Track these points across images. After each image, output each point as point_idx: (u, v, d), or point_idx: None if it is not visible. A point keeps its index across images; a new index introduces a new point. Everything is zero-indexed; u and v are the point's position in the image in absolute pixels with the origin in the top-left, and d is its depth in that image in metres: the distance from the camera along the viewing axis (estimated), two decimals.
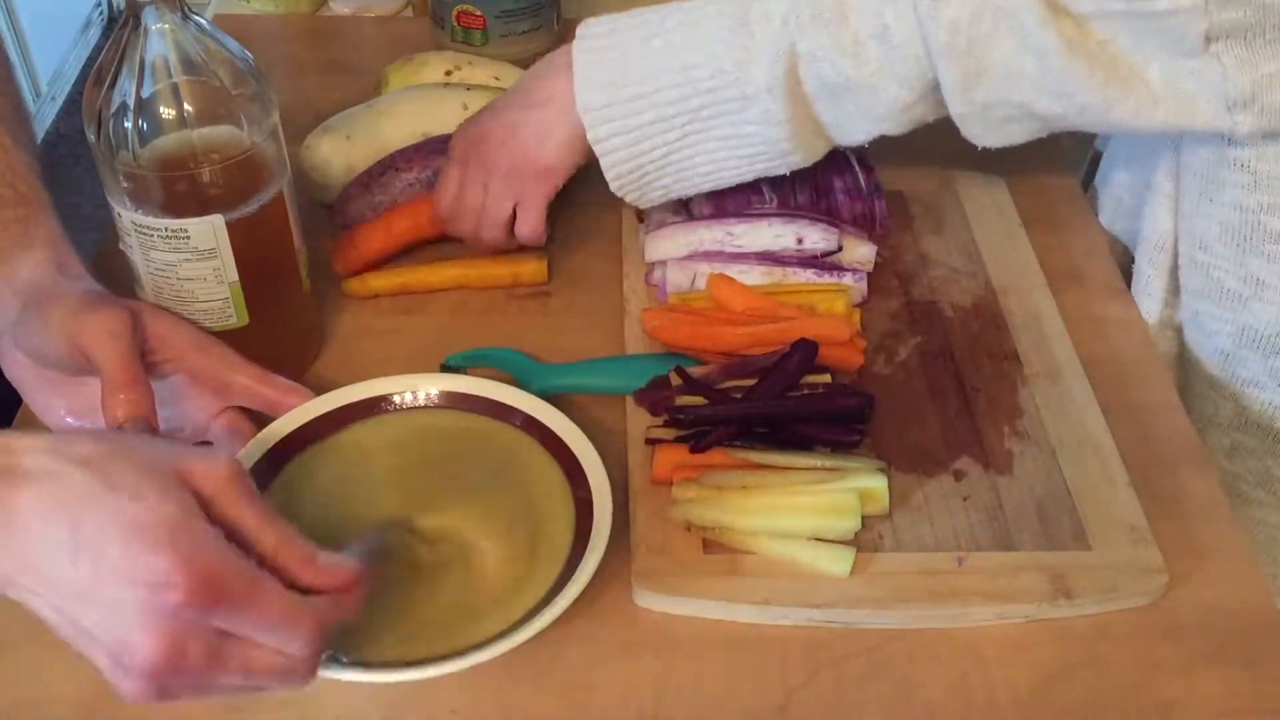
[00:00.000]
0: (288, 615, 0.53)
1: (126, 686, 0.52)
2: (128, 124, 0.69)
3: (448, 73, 1.05)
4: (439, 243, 0.93)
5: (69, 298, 0.68)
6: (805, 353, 0.76)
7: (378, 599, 0.66)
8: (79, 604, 0.51)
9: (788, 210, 0.88)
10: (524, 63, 1.08)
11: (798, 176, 0.90)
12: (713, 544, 0.71)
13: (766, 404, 0.74)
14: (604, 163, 0.81)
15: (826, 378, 0.77)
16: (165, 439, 0.64)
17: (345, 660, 0.63)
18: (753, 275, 0.86)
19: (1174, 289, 0.88)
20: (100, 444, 0.53)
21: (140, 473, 0.52)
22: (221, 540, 0.52)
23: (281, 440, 0.73)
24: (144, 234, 0.72)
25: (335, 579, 0.56)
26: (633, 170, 0.81)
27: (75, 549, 0.50)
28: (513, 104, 0.83)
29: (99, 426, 0.69)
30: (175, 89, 0.70)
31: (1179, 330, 0.89)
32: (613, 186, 0.82)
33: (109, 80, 0.69)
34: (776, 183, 0.89)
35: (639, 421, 0.77)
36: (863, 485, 0.71)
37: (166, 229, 0.71)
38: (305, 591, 0.55)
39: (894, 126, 0.78)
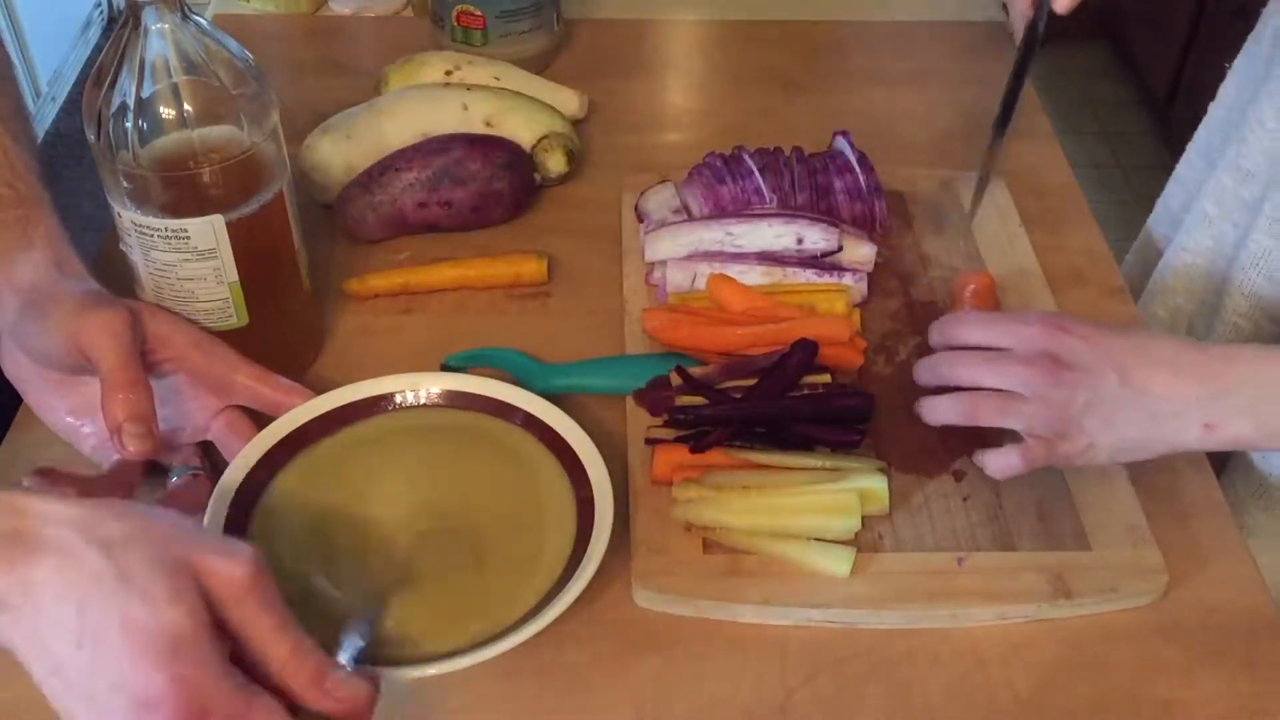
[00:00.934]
0: None
1: None
2: (128, 124, 0.69)
3: (448, 73, 1.05)
4: (439, 242, 0.93)
5: (69, 297, 0.68)
6: (805, 353, 0.76)
7: (378, 595, 0.67)
8: (73, 692, 0.50)
9: (788, 210, 0.88)
10: (524, 63, 1.09)
11: (798, 176, 0.90)
12: (713, 544, 0.71)
13: (766, 404, 0.74)
14: None
15: (826, 378, 0.77)
16: (192, 521, 0.62)
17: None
18: (753, 275, 0.86)
19: None
20: (124, 525, 0.52)
21: (155, 568, 0.50)
22: (222, 660, 0.51)
23: (282, 440, 0.73)
24: (144, 234, 0.72)
25: (344, 704, 0.54)
26: None
27: (80, 636, 0.49)
28: None
29: (100, 427, 0.69)
30: (175, 89, 0.70)
31: None
32: None
33: (109, 80, 0.69)
34: (777, 183, 0.89)
35: (639, 421, 0.77)
36: (863, 485, 0.71)
37: (166, 229, 0.71)
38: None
39: None
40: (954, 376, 0.71)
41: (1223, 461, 0.87)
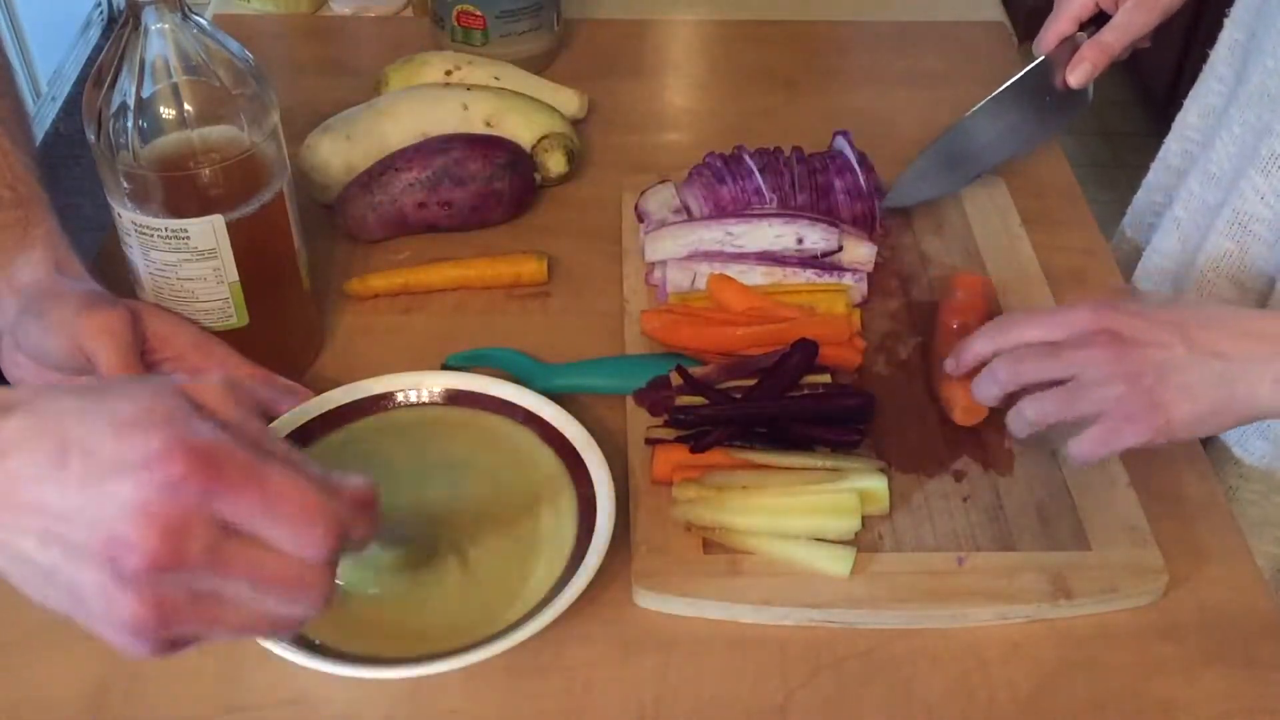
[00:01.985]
0: (301, 502, 0.47)
1: (124, 607, 0.46)
2: (128, 124, 0.69)
3: (448, 73, 1.05)
4: (439, 242, 0.93)
5: (69, 298, 0.68)
6: (805, 353, 0.76)
7: (379, 598, 0.67)
8: (66, 522, 0.46)
9: (788, 210, 0.88)
10: (524, 63, 1.09)
11: (798, 176, 0.90)
12: (713, 544, 0.71)
13: (766, 404, 0.74)
14: None
15: (826, 378, 0.77)
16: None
17: (319, 644, 0.63)
18: (753, 275, 0.86)
19: None
20: (93, 380, 0.50)
21: (133, 384, 0.49)
22: (221, 428, 0.47)
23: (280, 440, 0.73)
24: (144, 234, 0.72)
25: (345, 495, 0.50)
26: None
27: (62, 456, 0.46)
28: None
29: None
30: (175, 89, 0.70)
31: None
32: None
33: (109, 80, 0.69)
34: (777, 183, 0.89)
35: (639, 421, 0.77)
36: (863, 485, 0.71)
37: (166, 229, 0.71)
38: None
39: None
40: (1018, 376, 0.69)
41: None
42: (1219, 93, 0.93)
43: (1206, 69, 0.94)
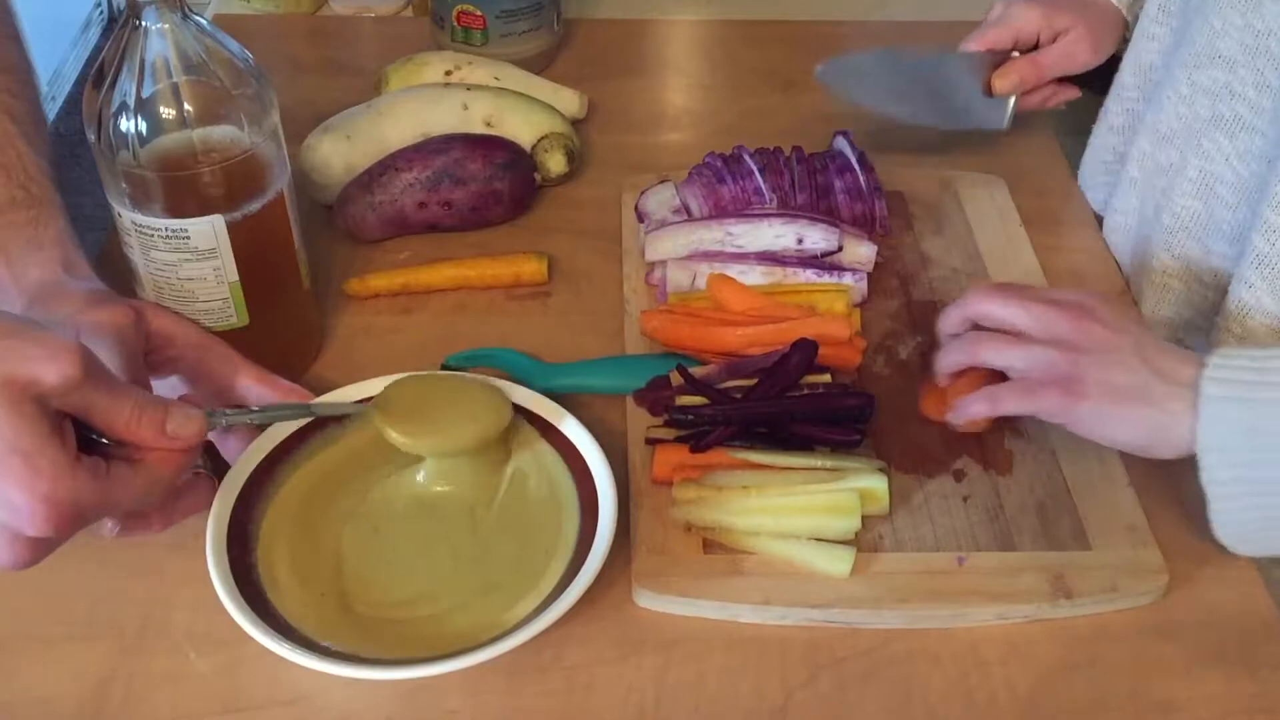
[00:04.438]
0: (22, 493, 0.53)
1: None
2: (128, 124, 0.69)
3: (448, 73, 1.05)
4: (439, 242, 0.93)
5: (74, 296, 0.68)
6: (805, 353, 0.76)
7: (380, 596, 0.67)
8: None
9: (788, 210, 0.88)
10: (524, 63, 1.09)
11: (798, 176, 0.91)
12: (713, 544, 0.71)
13: (766, 404, 0.74)
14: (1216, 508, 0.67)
15: (826, 378, 0.77)
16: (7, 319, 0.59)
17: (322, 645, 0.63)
18: (753, 275, 0.86)
19: None
20: None
21: None
22: (72, 457, 0.54)
23: (282, 441, 0.73)
24: (144, 234, 0.72)
25: (182, 441, 0.59)
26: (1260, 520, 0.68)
27: None
28: None
29: None
30: (175, 89, 0.70)
31: None
32: (1222, 534, 0.69)
33: (109, 80, 0.69)
34: (777, 183, 0.89)
35: (639, 421, 0.77)
36: (863, 485, 0.71)
37: (166, 229, 0.71)
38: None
39: None
40: (980, 338, 0.72)
41: None
42: (1155, 51, 0.93)
43: (1137, 30, 0.94)
